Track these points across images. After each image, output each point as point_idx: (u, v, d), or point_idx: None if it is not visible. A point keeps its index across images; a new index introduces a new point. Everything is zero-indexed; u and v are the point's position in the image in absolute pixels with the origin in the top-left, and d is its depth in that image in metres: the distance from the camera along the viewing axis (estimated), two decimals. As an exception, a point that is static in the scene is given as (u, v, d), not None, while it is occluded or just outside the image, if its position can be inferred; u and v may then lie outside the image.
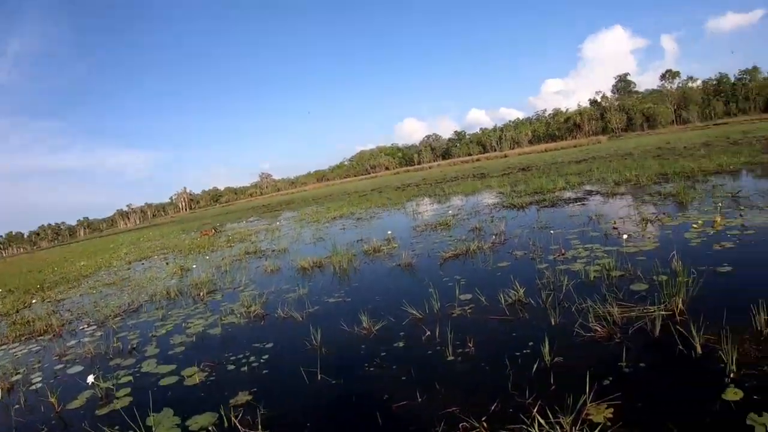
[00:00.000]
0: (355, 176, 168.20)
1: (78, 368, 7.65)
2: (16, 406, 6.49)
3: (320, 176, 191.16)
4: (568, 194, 19.16)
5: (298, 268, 12.59)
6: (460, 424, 4.12)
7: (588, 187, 20.30)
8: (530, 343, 5.46)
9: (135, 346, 8.33)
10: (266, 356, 6.68)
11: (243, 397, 5.48)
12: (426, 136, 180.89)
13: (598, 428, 3.75)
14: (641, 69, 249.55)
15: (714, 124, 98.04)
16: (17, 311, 14.52)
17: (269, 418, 4.90)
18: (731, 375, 4.16)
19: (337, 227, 21.77)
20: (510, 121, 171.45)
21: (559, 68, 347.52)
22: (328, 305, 8.78)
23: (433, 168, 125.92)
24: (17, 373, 7.95)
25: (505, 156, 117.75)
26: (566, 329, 5.72)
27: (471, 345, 5.74)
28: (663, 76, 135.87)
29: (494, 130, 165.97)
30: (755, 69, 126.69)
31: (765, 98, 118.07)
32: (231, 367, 6.52)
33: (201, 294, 11.52)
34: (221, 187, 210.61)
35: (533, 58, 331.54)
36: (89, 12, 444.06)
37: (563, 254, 9.28)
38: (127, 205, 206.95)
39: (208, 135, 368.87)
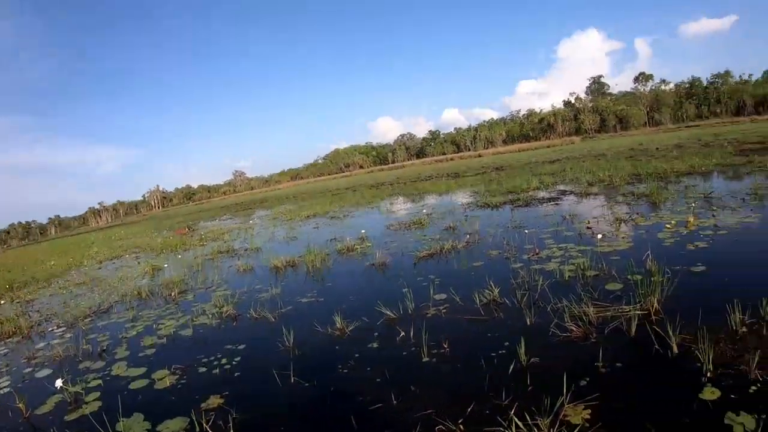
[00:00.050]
0: (329, 175, 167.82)
1: (47, 371, 7.41)
2: (-18, 411, 6.26)
3: (294, 174, 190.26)
4: (542, 194, 19.26)
5: (271, 268, 12.43)
6: (437, 427, 4.03)
7: (562, 187, 20.44)
8: (506, 344, 5.40)
9: (105, 348, 8.10)
10: (238, 358, 6.53)
11: (215, 400, 5.33)
12: (400, 135, 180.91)
13: (576, 429, 3.69)
14: (615, 71, 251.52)
15: (686, 127, 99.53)
16: (-16, 312, 14.11)
17: (241, 422, 4.78)
18: (708, 374, 4.14)
19: (310, 226, 21.63)
20: (484, 121, 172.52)
21: (534, 69, 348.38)
22: (301, 305, 8.65)
23: (407, 167, 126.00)
24: (-17, 378, 7.69)
25: (480, 156, 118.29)
26: (542, 329, 5.68)
27: (446, 346, 5.67)
28: (636, 79, 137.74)
29: (468, 129, 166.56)
30: (727, 73, 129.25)
31: (736, 102, 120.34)
32: (202, 369, 6.36)
33: (172, 294, 11.31)
34: (195, 185, 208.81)
35: (508, 59, 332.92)
36: (59, 5, 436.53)
37: (537, 254, 9.27)
38: (99, 203, 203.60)
39: (181, 132, 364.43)
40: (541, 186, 21.82)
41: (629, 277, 6.90)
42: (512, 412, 3.94)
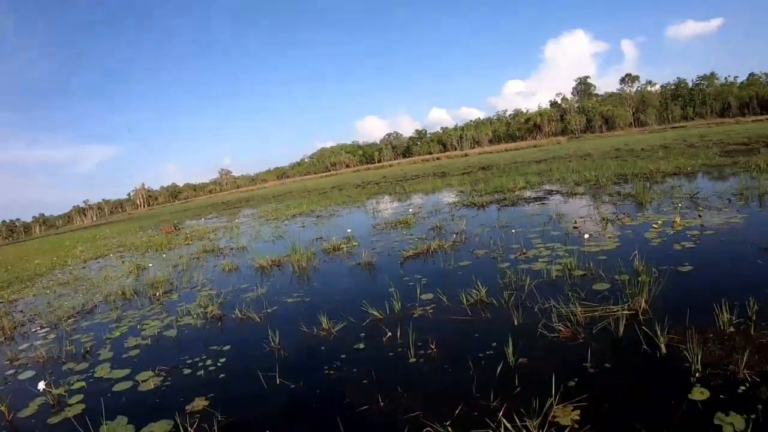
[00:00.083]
0: (315, 174, 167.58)
1: (30, 373, 7.25)
2: (-37, 415, 6.13)
3: (280, 173, 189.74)
4: (528, 193, 19.29)
5: (256, 267, 12.34)
6: (424, 430, 3.98)
7: (548, 187, 20.48)
8: (493, 344, 5.36)
9: (88, 349, 7.95)
10: (223, 359, 6.43)
11: (199, 402, 5.24)
12: (387, 134, 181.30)
13: (566, 431, 3.66)
14: (601, 72, 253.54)
15: (671, 128, 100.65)
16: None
17: (226, 425, 4.70)
18: (697, 374, 4.12)
19: (296, 225, 21.52)
20: (471, 120, 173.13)
21: (521, 70, 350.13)
22: (286, 305, 8.57)
23: (393, 166, 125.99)
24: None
25: (466, 155, 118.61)
26: (529, 329, 5.64)
27: (433, 346, 5.62)
28: (623, 80, 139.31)
29: (455, 129, 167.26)
30: (712, 75, 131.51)
31: (721, 103, 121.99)
32: (187, 371, 6.26)
33: (157, 294, 11.19)
34: (180, 184, 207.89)
35: (495, 60, 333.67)
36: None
37: (524, 253, 9.25)
38: (84, 202, 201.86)
39: (167, 131, 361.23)
40: (528, 185, 21.86)
41: (616, 276, 6.90)
42: (501, 413, 3.90)
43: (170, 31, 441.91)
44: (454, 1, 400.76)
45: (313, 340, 6.58)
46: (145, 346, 7.65)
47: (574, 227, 10.92)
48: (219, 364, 6.30)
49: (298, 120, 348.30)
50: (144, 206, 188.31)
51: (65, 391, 6.16)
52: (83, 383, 6.43)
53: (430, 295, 7.53)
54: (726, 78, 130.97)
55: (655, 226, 9.74)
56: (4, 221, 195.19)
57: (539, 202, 16.20)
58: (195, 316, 8.71)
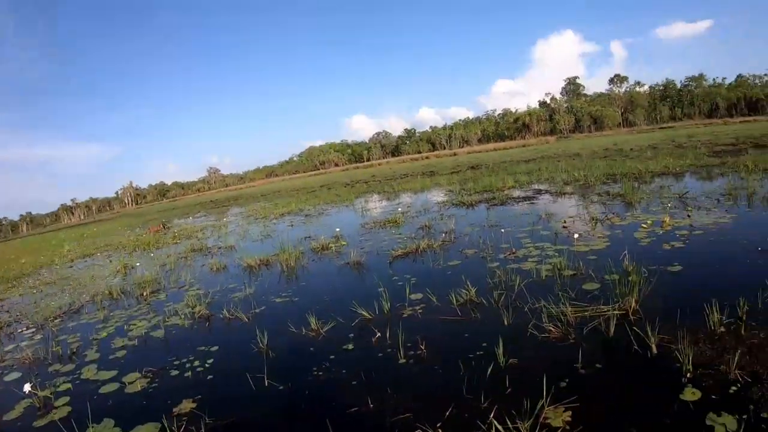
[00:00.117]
0: (304, 172, 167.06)
1: (16, 375, 7.14)
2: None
3: (269, 172, 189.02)
4: (517, 193, 19.31)
5: (244, 267, 12.27)
6: (414, 432, 3.94)
7: (537, 186, 20.52)
8: (483, 345, 5.32)
9: (75, 350, 7.84)
10: (211, 360, 6.36)
11: (187, 405, 5.18)
12: (376, 133, 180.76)
13: (557, 433, 3.63)
14: (590, 73, 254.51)
15: (660, 128, 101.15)
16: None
17: (214, 428, 4.64)
18: (688, 375, 4.12)
19: (285, 224, 21.44)
20: (460, 120, 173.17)
21: (510, 69, 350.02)
22: (275, 305, 8.51)
23: (382, 165, 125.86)
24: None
25: (455, 154, 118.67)
26: (520, 330, 5.62)
27: (423, 347, 5.57)
28: (611, 80, 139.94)
29: (444, 128, 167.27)
30: (701, 76, 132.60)
31: (709, 104, 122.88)
32: (174, 372, 6.19)
33: (144, 294, 11.09)
34: (168, 182, 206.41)
35: (485, 59, 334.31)
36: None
37: (514, 253, 9.23)
38: (72, 200, 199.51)
39: (155, 129, 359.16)
40: (517, 185, 21.90)
41: (606, 276, 6.90)
42: (492, 415, 3.87)
43: (159, 30, 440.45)
44: (442, 1, 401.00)
45: (301, 340, 6.52)
46: (132, 346, 7.56)
47: (564, 227, 10.92)
48: (207, 365, 6.23)
49: (287, 118, 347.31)
50: (132, 205, 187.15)
51: (51, 393, 6.07)
52: (69, 385, 6.34)
53: (419, 295, 7.49)
54: (714, 79, 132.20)
55: (644, 225, 9.75)
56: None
57: (528, 202, 16.22)
58: (182, 316, 8.63)
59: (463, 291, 7.07)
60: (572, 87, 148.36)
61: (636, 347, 4.73)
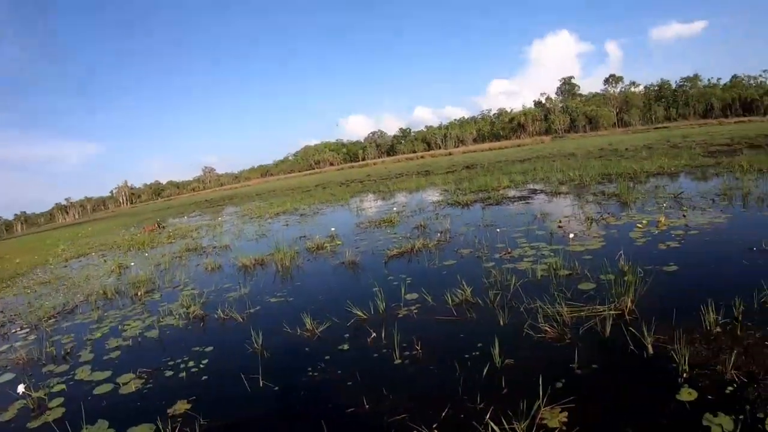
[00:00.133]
0: (299, 172, 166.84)
1: (9, 376, 7.07)
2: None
3: (264, 171, 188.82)
4: (512, 192, 19.32)
5: (239, 266, 12.22)
6: (410, 432, 3.92)
7: (532, 186, 20.55)
8: (479, 345, 5.30)
9: (69, 350, 7.78)
10: (206, 361, 6.32)
11: (182, 406, 5.14)
12: (371, 133, 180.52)
13: (554, 434, 3.61)
14: (586, 73, 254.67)
15: (655, 128, 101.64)
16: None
17: (209, 429, 4.61)
18: (684, 375, 4.11)
19: (280, 223, 21.41)
20: (455, 119, 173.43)
21: (506, 69, 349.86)
22: (270, 305, 8.48)
23: (377, 165, 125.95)
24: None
25: (450, 154, 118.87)
26: (516, 330, 5.60)
27: (418, 347, 5.55)
28: (607, 81, 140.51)
29: (439, 128, 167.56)
30: (696, 77, 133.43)
31: (704, 105, 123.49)
32: (169, 373, 6.14)
33: (139, 294, 11.02)
34: (163, 181, 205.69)
35: (481, 59, 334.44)
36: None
37: (509, 253, 9.22)
38: (66, 199, 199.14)
39: (150, 128, 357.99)
40: (512, 185, 21.92)
41: (602, 276, 6.89)
42: (488, 416, 3.85)
43: (152, 27, 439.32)
44: (439, 1, 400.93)
45: (296, 340, 6.49)
46: (126, 347, 7.50)
47: (559, 227, 10.92)
48: (201, 365, 6.19)
49: (283, 118, 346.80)
50: (127, 204, 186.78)
51: (45, 395, 6.01)
52: (63, 386, 6.29)
53: (414, 295, 7.47)
54: (709, 80, 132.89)
55: (639, 225, 9.76)
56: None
57: (524, 201, 16.24)
58: (177, 316, 8.60)
59: (459, 291, 7.05)
60: (567, 87, 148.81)
61: (632, 347, 4.72)
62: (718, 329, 4.84)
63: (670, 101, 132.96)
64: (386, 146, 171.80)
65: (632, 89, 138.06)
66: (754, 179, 14.02)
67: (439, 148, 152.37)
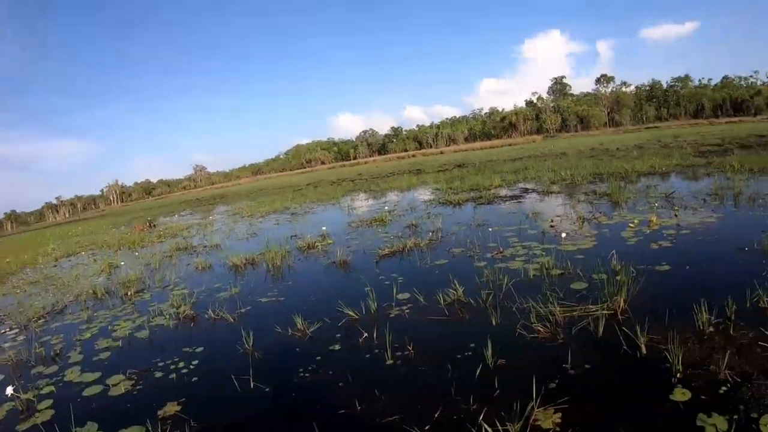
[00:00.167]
0: (290, 170, 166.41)
1: (-2, 377, 7.06)
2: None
3: (255, 170, 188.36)
4: (504, 192, 19.33)
5: (230, 266, 12.14)
6: (401, 434, 3.88)
7: (524, 185, 20.57)
8: (471, 345, 5.27)
9: (58, 351, 7.69)
10: (196, 362, 6.26)
11: (171, 407, 5.08)
12: (362, 131, 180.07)
13: (547, 435, 3.59)
14: (577, 72, 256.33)
15: (646, 128, 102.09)
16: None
17: (199, 431, 4.56)
18: (678, 375, 4.09)
19: (271, 222, 21.35)
20: (447, 118, 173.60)
21: (497, 68, 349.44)
22: (261, 305, 8.42)
23: (369, 163, 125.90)
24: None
25: (441, 153, 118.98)
26: (508, 330, 5.58)
27: (410, 347, 5.52)
28: (598, 80, 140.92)
29: (431, 126, 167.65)
30: (687, 77, 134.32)
31: (695, 105, 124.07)
32: (159, 374, 6.07)
33: (129, 293, 10.93)
34: (154, 180, 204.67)
35: (472, 58, 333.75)
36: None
37: (501, 252, 9.21)
38: (56, 198, 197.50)
39: (141, 126, 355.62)
40: (504, 184, 21.93)
41: (594, 276, 6.88)
42: (481, 417, 3.82)
43: (144, 25, 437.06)
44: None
45: (287, 341, 6.44)
46: (116, 347, 7.42)
47: (551, 226, 10.91)
48: (192, 366, 6.13)
49: (273, 116, 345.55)
50: (117, 203, 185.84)
51: (34, 396, 5.93)
52: (53, 388, 6.21)
53: (406, 295, 7.43)
54: (700, 80, 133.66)
55: (631, 225, 9.77)
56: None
57: (515, 201, 16.25)
58: (167, 316, 8.53)
59: (451, 290, 7.03)
60: (559, 86, 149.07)
61: (625, 347, 4.70)
62: (711, 329, 4.83)
63: (661, 101, 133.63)
64: (377, 145, 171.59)
65: (623, 89, 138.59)
66: (745, 179, 14.07)
67: (431, 147, 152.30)
